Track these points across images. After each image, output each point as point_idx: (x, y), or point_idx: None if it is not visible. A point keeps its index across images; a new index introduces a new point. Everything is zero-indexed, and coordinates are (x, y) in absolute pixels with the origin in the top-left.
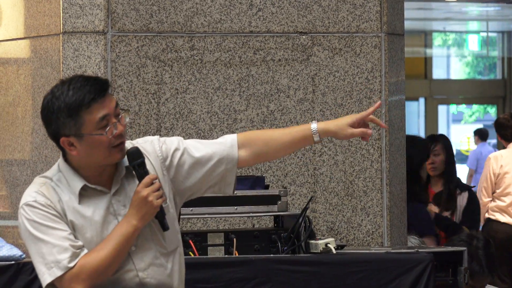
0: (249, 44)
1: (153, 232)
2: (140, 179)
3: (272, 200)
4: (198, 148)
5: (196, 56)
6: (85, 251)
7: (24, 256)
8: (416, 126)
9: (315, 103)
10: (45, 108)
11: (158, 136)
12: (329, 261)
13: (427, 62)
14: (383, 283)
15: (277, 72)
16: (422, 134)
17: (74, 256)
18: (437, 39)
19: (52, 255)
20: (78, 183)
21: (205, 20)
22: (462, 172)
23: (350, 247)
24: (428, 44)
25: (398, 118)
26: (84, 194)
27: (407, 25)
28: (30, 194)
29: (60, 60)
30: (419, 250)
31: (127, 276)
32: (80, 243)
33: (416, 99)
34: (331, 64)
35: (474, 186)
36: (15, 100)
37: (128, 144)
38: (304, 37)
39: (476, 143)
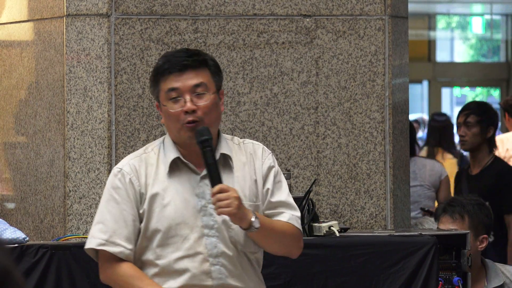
0: (253, 27)
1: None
2: (203, 156)
3: None
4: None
5: (200, 39)
6: (127, 251)
7: (27, 239)
8: (419, 108)
9: (318, 85)
10: None
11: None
12: (332, 244)
13: (431, 44)
14: (387, 266)
15: (281, 55)
16: (425, 116)
17: (108, 243)
18: (441, 22)
19: (96, 226)
20: (172, 154)
21: (208, 3)
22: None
23: (353, 230)
24: (431, 26)
25: (402, 101)
26: (176, 168)
27: (411, 7)
28: (123, 162)
29: (63, 43)
30: (423, 233)
31: (197, 259)
32: (127, 245)
33: (420, 82)
34: (335, 47)
35: None
36: (18, 83)
37: (236, 141)
38: (307, 19)
39: None
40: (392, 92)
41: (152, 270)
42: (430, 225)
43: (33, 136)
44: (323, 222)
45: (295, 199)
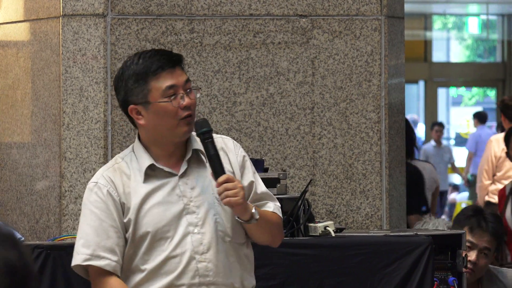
0: (249, 27)
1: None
2: (205, 148)
3: (271, 183)
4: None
5: (196, 39)
6: (113, 263)
7: (23, 239)
8: (415, 109)
9: (314, 86)
10: (116, 76)
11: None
12: (328, 244)
13: (427, 45)
14: (382, 266)
15: (277, 55)
16: (421, 117)
17: (93, 257)
18: (437, 22)
19: (78, 242)
20: (146, 161)
21: (205, 3)
22: (461, 155)
23: (349, 230)
24: (428, 27)
25: (398, 101)
26: (151, 174)
27: (407, 8)
28: (97, 175)
29: (59, 43)
30: (418, 233)
31: (183, 258)
32: (112, 257)
33: (416, 82)
34: (331, 47)
35: None
36: (14, 83)
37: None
38: (304, 20)
39: (475, 125)
40: (388, 92)
41: (139, 276)
42: (431, 226)
43: (29, 136)
44: (319, 222)
45: (291, 199)
